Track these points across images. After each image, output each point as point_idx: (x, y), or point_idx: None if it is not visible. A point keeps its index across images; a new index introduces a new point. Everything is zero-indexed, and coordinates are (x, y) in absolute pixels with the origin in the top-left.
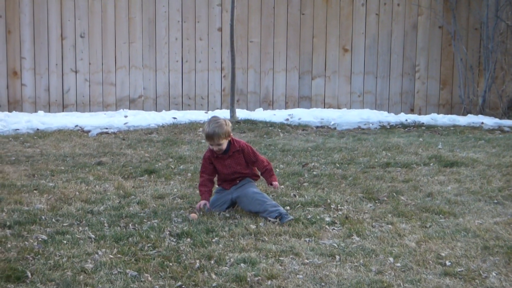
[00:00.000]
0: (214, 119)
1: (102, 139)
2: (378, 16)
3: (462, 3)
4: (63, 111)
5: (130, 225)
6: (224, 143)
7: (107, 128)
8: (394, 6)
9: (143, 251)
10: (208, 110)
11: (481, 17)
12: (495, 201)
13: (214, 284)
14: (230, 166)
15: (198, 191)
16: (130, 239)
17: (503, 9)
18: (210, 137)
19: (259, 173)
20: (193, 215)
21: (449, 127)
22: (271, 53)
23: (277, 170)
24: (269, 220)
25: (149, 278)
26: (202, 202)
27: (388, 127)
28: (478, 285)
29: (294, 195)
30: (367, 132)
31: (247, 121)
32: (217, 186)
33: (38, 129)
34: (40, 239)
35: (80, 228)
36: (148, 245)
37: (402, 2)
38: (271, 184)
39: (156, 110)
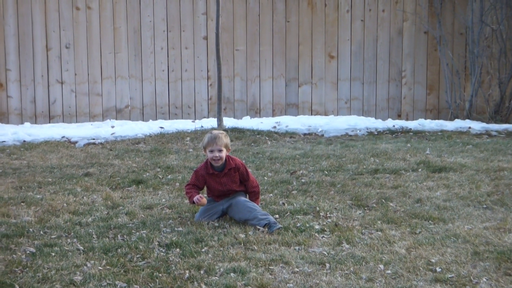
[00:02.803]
0: (214, 130)
1: (89, 150)
2: (363, 22)
3: (447, 8)
4: (49, 122)
5: (118, 236)
6: (224, 153)
7: (94, 139)
8: (379, 12)
9: (132, 262)
10: (195, 119)
11: (466, 22)
12: (484, 206)
13: None
14: (226, 184)
15: (186, 195)
16: (119, 250)
17: (487, 14)
18: (213, 139)
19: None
20: (203, 200)
21: (437, 132)
22: (257, 61)
23: (265, 178)
24: (258, 229)
25: None
26: (196, 196)
27: (376, 133)
28: None
29: (283, 203)
30: (354, 138)
31: (234, 130)
32: (206, 196)
33: (24, 141)
34: (28, 251)
35: (69, 240)
36: (137, 256)
37: (387, 8)
38: None
39: (143, 120)
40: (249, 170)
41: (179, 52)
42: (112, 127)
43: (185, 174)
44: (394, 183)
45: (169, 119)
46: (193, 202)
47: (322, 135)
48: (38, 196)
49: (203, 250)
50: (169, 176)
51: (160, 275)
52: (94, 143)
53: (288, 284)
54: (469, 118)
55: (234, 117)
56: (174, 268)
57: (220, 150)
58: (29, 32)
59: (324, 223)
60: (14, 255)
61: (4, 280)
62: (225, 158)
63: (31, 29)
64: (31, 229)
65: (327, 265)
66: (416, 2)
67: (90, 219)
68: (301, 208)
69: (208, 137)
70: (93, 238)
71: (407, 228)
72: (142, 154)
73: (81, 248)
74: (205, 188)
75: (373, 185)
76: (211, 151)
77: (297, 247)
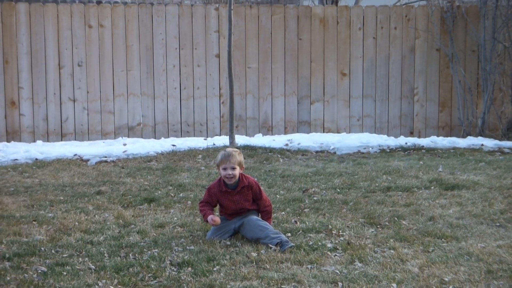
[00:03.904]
0: (228, 148)
1: (101, 167)
2: (375, 39)
3: (459, 25)
4: (61, 140)
5: (130, 255)
6: (237, 171)
7: (106, 157)
8: (391, 29)
9: (143, 281)
10: (207, 137)
11: (478, 39)
12: (498, 224)
13: None
14: (239, 202)
15: (200, 213)
16: (131, 269)
17: (500, 31)
18: (227, 157)
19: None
20: (217, 221)
21: (449, 150)
22: (269, 79)
23: (277, 196)
24: (270, 247)
25: None
26: (210, 216)
27: (388, 150)
28: None
29: (295, 222)
30: (367, 156)
31: (246, 147)
32: (219, 214)
33: (36, 159)
34: (39, 271)
35: (80, 259)
36: (149, 275)
37: (399, 25)
38: None
39: (155, 138)
40: (262, 188)
41: (191, 70)
42: (124, 144)
43: (197, 192)
44: (406, 201)
45: (181, 136)
46: (207, 221)
47: (334, 153)
48: (50, 214)
49: (215, 269)
50: (181, 194)
51: None
52: (106, 161)
53: None
54: (481, 135)
55: (246, 135)
56: (186, 287)
57: (234, 168)
58: (41, 50)
59: (337, 241)
60: (25, 274)
61: None
62: (238, 176)
63: (43, 47)
64: (42, 248)
65: (340, 284)
66: (428, 19)
67: (101, 237)
68: (313, 226)
69: (222, 155)
70: (105, 257)
71: (420, 246)
72: (154, 172)
73: (93, 267)
74: (217, 206)
75: (386, 203)
76: (224, 169)
77: (309, 266)
